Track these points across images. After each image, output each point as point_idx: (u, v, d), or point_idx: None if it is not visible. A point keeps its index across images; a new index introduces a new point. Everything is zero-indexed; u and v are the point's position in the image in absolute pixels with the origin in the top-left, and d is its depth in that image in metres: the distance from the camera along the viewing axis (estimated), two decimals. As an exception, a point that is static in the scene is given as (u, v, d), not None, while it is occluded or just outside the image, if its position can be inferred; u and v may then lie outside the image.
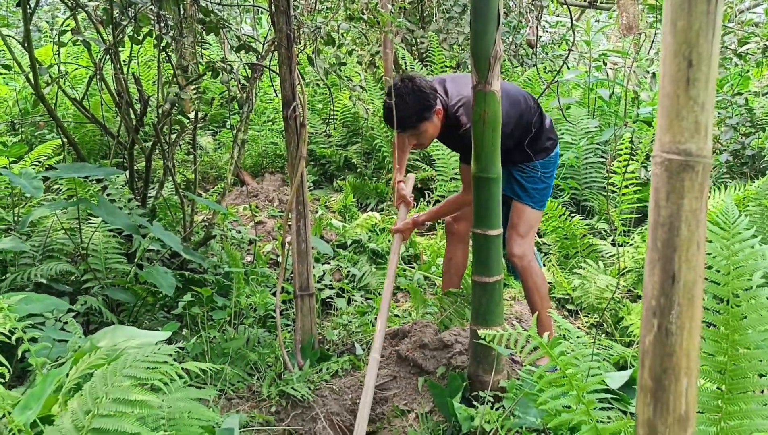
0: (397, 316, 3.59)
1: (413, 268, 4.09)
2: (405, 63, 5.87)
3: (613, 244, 3.92)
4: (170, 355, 1.42)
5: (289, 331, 3.23)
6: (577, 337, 2.04)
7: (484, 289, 2.71)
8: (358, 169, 5.36)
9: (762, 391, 1.28)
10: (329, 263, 4.13)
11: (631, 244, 3.84)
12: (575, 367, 1.90)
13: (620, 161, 3.98)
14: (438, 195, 4.73)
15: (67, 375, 1.63)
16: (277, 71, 2.96)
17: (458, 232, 3.38)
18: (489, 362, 2.75)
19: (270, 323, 3.27)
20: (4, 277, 2.96)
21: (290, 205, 2.97)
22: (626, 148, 4.05)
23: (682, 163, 0.85)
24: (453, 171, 4.76)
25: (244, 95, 3.94)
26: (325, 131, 5.73)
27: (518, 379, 2.87)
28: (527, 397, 2.61)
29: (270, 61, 3.70)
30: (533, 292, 3.15)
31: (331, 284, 3.85)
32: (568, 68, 5.47)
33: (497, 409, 2.64)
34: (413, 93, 2.88)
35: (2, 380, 1.64)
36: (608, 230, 4.28)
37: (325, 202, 4.96)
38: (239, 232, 4.16)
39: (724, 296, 1.27)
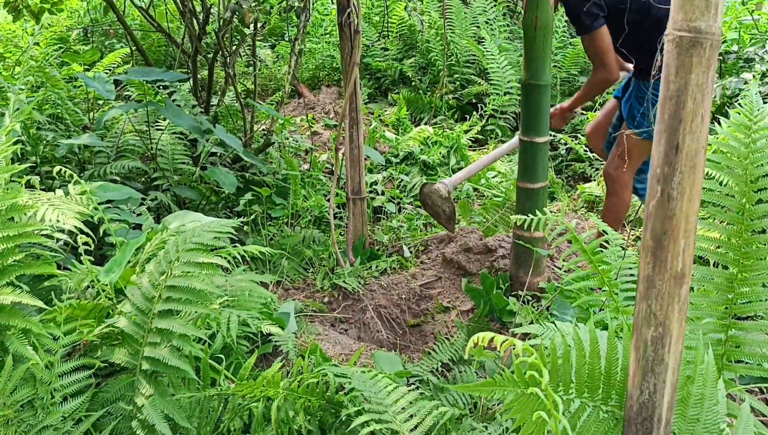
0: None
1: (463, 179, 4.18)
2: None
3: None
4: (233, 227, 1.60)
5: (341, 233, 3.42)
6: (614, 238, 2.14)
7: (528, 195, 2.80)
8: (413, 83, 5.40)
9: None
10: (382, 173, 4.27)
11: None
12: (608, 265, 2.00)
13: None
14: (491, 108, 4.75)
15: (142, 248, 1.85)
16: (333, -22, 3.02)
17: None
18: (529, 264, 2.87)
19: (324, 225, 3.47)
20: (82, 174, 3.23)
21: (344, 112, 3.09)
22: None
23: (691, 39, 0.92)
24: (508, 84, 4.75)
25: (302, 5, 4.01)
26: (382, 44, 5.74)
27: (557, 280, 2.99)
28: (564, 296, 2.74)
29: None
30: (608, 211, 3.16)
31: (383, 192, 4.00)
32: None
33: (535, 308, 2.79)
34: None
35: (89, 250, 1.87)
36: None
37: (379, 115, 5.06)
38: (296, 141, 4.33)
39: (742, 182, 1.34)
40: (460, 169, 4.37)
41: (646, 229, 1.04)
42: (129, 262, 1.89)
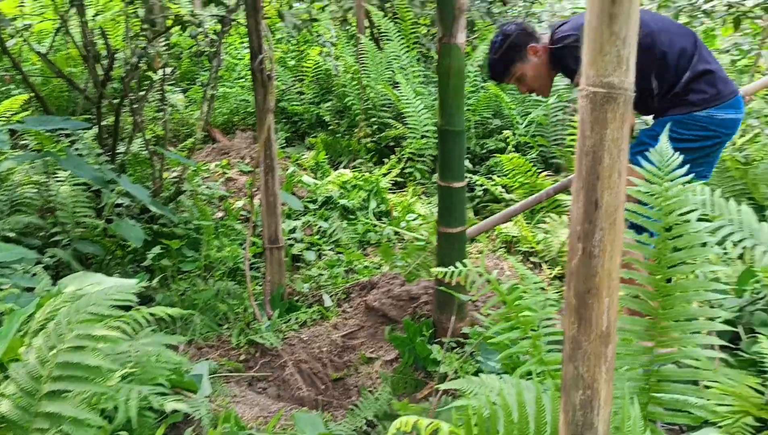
0: (366, 267, 3.66)
1: (383, 223, 4.15)
2: (377, 20, 5.83)
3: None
4: (135, 294, 1.46)
5: (258, 284, 3.28)
6: (534, 282, 2.12)
7: (448, 240, 2.78)
8: (330, 127, 5.37)
9: (690, 320, 1.36)
10: (300, 219, 4.17)
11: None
12: (531, 312, 1.97)
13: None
14: (409, 151, 4.77)
15: (33, 316, 1.67)
16: (246, 23, 2.95)
17: None
18: (452, 309, 2.84)
19: (240, 276, 3.32)
20: (-29, 231, 2.96)
21: (258, 159, 3.00)
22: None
23: (605, 95, 0.91)
24: (424, 128, 4.80)
25: (213, 50, 3.91)
26: (298, 88, 5.70)
27: (481, 325, 2.97)
28: (487, 342, 2.71)
29: (238, 15, 3.67)
30: None
31: (301, 239, 3.90)
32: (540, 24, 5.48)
33: (460, 355, 2.74)
34: (499, 39, 2.71)
35: (-31, 322, 1.67)
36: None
37: (297, 160, 4.98)
38: (210, 188, 4.17)
39: (658, 231, 1.34)
40: (380, 212, 4.34)
41: (568, 287, 1.00)
42: (19, 331, 1.70)
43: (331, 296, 3.29)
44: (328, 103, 5.57)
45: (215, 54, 3.88)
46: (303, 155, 5.21)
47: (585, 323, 0.97)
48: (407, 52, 5.46)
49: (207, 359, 2.71)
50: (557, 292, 3.53)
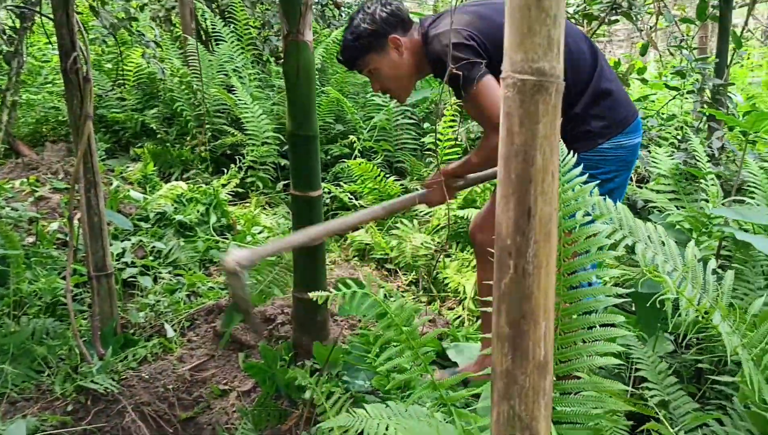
0: (210, 289, 3.33)
1: (227, 238, 3.82)
2: (205, 20, 5.45)
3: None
4: None
5: (84, 318, 2.83)
6: (402, 295, 1.99)
7: (307, 254, 2.57)
8: (159, 136, 4.89)
9: (590, 328, 1.28)
10: (129, 240, 3.71)
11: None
12: (409, 326, 1.83)
13: (446, 122, 4.03)
14: (250, 160, 4.47)
15: None
16: (53, 17, 2.51)
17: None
18: (313, 328, 2.63)
19: (61, 311, 2.84)
20: None
21: (76, 174, 2.57)
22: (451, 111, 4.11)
23: (535, 84, 0.76)
24: (264, 134, 4.53)
25: (12, 49, 3.35)
26: (117, 93, 5.14)
27: (344, 343, 2.79)
28: (353, 360, 2.54)
29: (41, 8, 3.16)
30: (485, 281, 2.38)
31: (133, 262, 3.46)
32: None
33: (325, 376, 2.54)
34: (358, 17, 2.21)
35: None
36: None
37: (121, 173, 4.46)
38: (15, 209, 3.57)
39: (557, 235, 1.25)
40: (222, 227, 4.00)
41: (498, 312, 0.84)
42: None
43: (173, 325, 2.93)
44: (154, 110, 5.08)
45: (15, 54, 3.32)
46: (128, 168, 4.69)
47: (520, 354, 0.82)
48: (241, 54, 5.14)
49: (24, 415, 2.25)
50: (414, 298, 3.47)
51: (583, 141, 2.00)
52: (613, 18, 3.99)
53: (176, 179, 4.64)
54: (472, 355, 2.80)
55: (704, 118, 3.83)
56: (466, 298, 3.31)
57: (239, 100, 4.48)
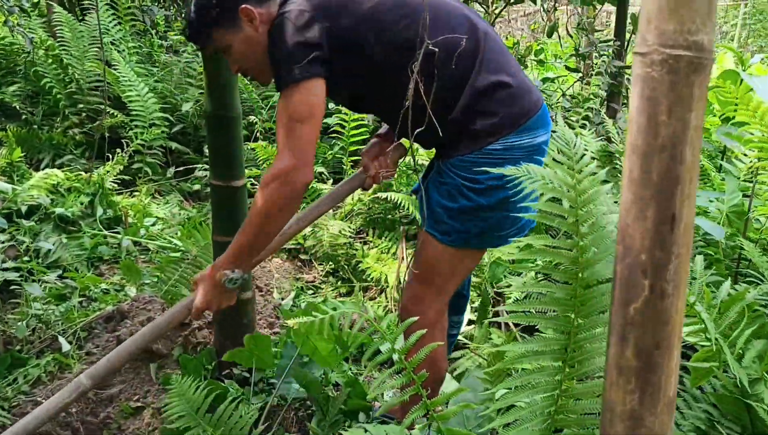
0: (106, 292, 2.94)
1: (117, 233, 3.40)
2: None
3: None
4: None
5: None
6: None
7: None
8: (24, 117, 4.27)
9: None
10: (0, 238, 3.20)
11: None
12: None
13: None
14: (138, 144, 4.01)
15: None
16: None
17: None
18: (238, 332, 2.37)
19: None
20: None
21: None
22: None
23: (692, 61, 0.61)
24: (152, 115, 4.08)
25: None
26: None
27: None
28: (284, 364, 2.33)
29: None
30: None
31: (4, 264, 2.96)
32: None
33: (257, 385, 2.31)
34: None
35: None
36: (326, 174, 4.15)
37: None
38: None
39: (573, 231, 1.13)
40: (109, 219, 3.55)
41: (623, 343, 0.69)
42: None
43: (67, 337, 2.53)
44: (14, 87, 4.43)
45: None
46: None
47: (652, 391, 0.68)
48: (117, 24, 4.60)
49: None
50: (334, 289, 3.28)
51: (466, 140, 1.68)
52: (515, -1, 3.98)
53: (47, 166, 4.08)
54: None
55: (603, 100, 3.94)
56: (388, 286, 3.18)
57: (122, 76, 3.99)
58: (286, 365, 2.32)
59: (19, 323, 2.47)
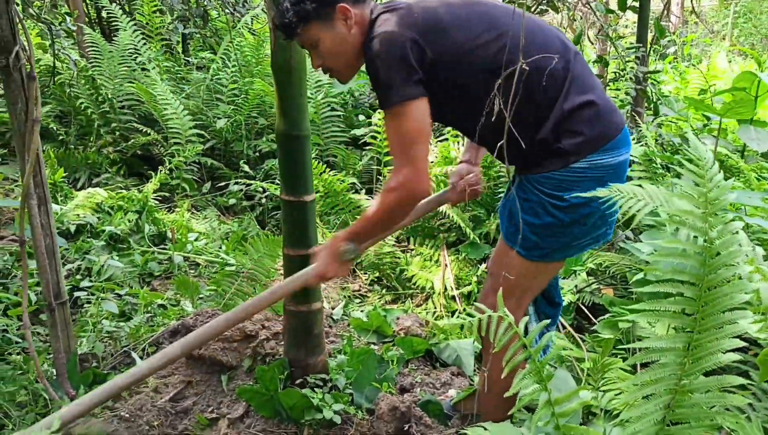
0: (162, 307, 3.01)
1: (165, 249, 3.48)
2: (100, 7, 4.90)
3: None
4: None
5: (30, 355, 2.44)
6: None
7: (303, 263, 2.36)
8: (60, 137, 4.34)
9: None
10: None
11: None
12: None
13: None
14: (179, 160, 4.08)
15: None
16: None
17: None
18: (309, 342, 2.45)
19: (5, 352, 2.43)
20: None
21: (27, 189, 2.20)
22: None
23: None
24: (188, 132, 4.16)
25: None
26: None
27: (331, 355, 2.63)
28: (356, 374, 2.41)
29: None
30: (492, 382, 1.87)
31: (81, 284, 3.04)
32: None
33: (330, 392, 2.38)
34: None
35: None
36: (358, 185, 4.23)
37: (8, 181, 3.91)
38: None
39: (702, 235, 1.22)
40: (153, 236, 3.62)
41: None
42: None
43: (137, 353, 2.61)
44: (47, 108, 4.49)
45: None
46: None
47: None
48: (146, 45, 4.68)
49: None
50: (380, 297, 3.35)
51: (553, 158, 1.72)
52: (542, 8, 4.09)
53: (83, 185, 4.15)
54: (462, 351, 2.77)
55: (628, 105, 4.05)
56: (434, 292, 3.26)
57: (159, 95, 4.07)
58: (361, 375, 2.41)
59: (97, 342, 2.54)
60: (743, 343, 1.30)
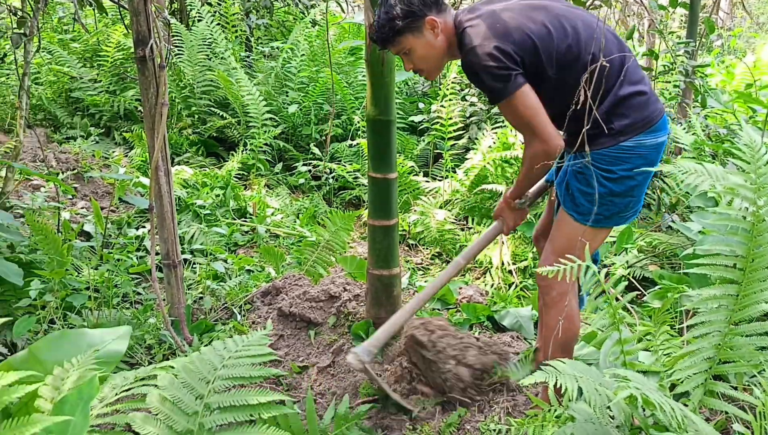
0: (250, 271, 3.38)
1: (246, 221, 3.85)
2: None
3: (435, 179, 4.20)
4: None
5: (152, 308, 2.83)
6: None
7: (385, 233, 2.71)
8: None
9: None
10: (145, 226, 3.67)
11: (450, 179, 4.16)
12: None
13: (443, 105, 4.22)
14: (260, 142, 4.45)
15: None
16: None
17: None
18: (389, 303, 2.78)
19: (131, 304, 2.82)
20: None
21: (156, 162, 2.57)
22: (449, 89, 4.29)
23: None
24: (264, 117, 4.53)
25: (22, 31, 3.20)
26: (90, 75, 4.91)
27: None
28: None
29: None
30: (549, 331, 2.19)
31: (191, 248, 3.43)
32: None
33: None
34: None
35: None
36: (416, 168, 4.54)
37: (107, 158, 4.31)
38: (31, 199, 3.42)
39: (751, 202, 1.50)
40: (235, 210, 4.00)
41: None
42: None
43: (237, 309, 2.98)
44: (131, 92, 4.90)
45: (28, 33, 3.18)
46: (113, 152, 4.54)
47: None
48: (224, 34, 5.05)
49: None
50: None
51: (604, 137, 2.02)
52: (597, 3, 4.32)
53: (174, 164, 4.54)
54: (521, 317, 3.05)
55: (677, 97, 4.27)
56: (492, 266, 3.57)
57: (238, 81, 4.43)
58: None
59: (209, 297, 2.92)
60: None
